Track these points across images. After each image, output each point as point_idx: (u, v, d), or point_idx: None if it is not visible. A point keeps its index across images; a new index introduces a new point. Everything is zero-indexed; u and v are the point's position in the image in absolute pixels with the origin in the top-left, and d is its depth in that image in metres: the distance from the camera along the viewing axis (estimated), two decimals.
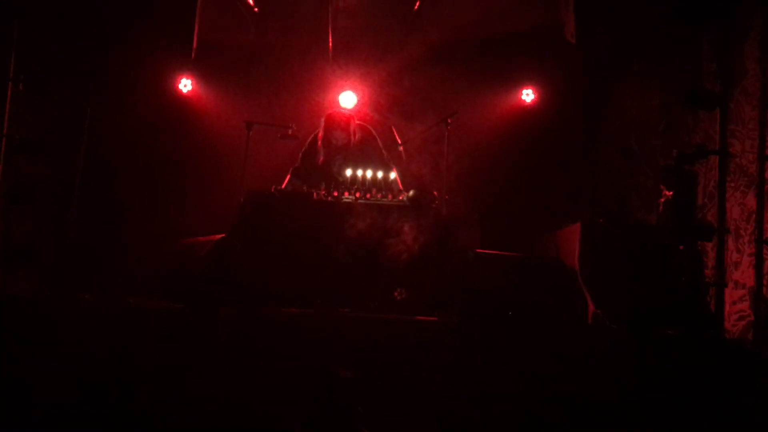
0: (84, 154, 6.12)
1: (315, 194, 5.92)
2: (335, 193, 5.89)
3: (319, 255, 5.58)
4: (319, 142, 6.59)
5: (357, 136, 6.63)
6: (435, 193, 6.01)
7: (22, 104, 5.87)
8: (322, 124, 6.63)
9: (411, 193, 5.92)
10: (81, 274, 6.05)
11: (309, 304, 5.08)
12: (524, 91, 7.97)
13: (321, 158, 6.53)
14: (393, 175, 6.16)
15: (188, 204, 7.30)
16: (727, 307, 5.34)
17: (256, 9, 7.61)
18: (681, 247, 5.69)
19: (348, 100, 7.92)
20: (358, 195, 5.86)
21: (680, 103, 6.21)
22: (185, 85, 7.89)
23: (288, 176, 6.53)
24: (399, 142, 7.05)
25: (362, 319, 4.86)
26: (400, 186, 6.14)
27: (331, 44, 7.89)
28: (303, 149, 6.71)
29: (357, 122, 6.81)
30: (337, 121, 6.59)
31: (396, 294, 4.55)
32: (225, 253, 5.47)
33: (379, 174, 5.99)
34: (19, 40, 5.77)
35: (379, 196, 5.88)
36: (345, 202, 5.85)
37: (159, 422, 4.40)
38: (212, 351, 4.60)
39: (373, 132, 6.84)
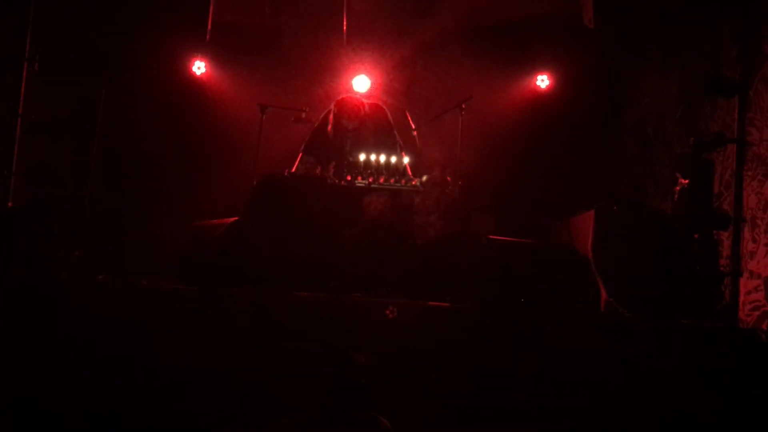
0: (99, 136, 6.14)
1: (328, 178, 5.92)
2: (348, 178, 5.89)
3: (332, 239, 5.59)
4: (330, 127, 6.58)
5: (370, 119, 6.62)
6: (449, 178, 5.99)
7: (37, 86, 5.88)
8: (333, 110, 6.62)
9: (425, 178, 5.91)
10: (96, 256, 6.08)
11: (321, 288, 5.09)
12: (539, 77, 7.91)
13: (332, 136, 6.53)
14: (406, 159, 6.15)
15: (202, 186, 7.32)
16: (741, 297, 5.31)
17: None
18: (696, 236, 5.65)
19: (361, 84, 7.89)
20: (371, 180, 5.85)
21: (698, 90, 6.14)
22: (199, 67, 7.88)
23: (300, 154, 6.53)
24: (413, 126, 7.02)
25: (375, 303, 4.86)
26: (410, 174, 6.13)
27: (345, 27, 7.85)
28: (315, 125, 6.72)
29: (370, 102, 6.78)
30: (348, 108, 6.58)
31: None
32: (238, 235, 5.48)
33: (393, 159, 5.98)
34: (35, 21, 5.77)
35: (392, 180, 5.88)
36: (358, 186, 5.85)
37: (173, 403, 4.44)
38: (225, 333, 4.62)
39: (387, 112, 6.81)
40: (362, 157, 5.98)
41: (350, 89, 7.77)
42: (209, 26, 7.49)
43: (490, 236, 5.72)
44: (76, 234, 6.01)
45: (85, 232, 5.99)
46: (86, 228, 5.99)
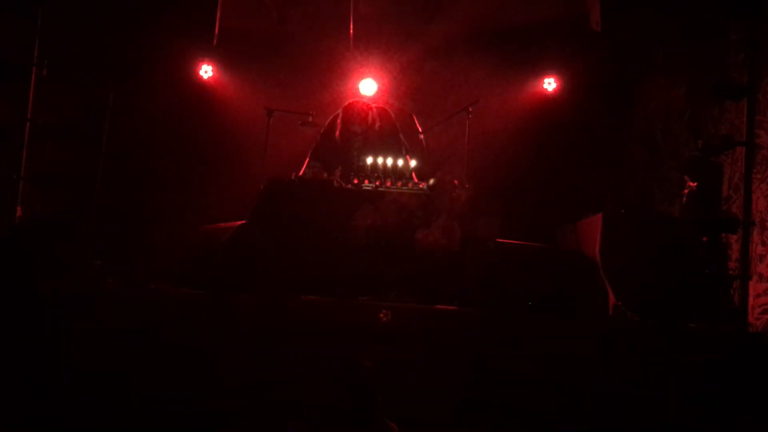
0: (106, 140, 6.16)
1: (335, 182, 5.92)
2: (355, 181, 5.89)
3: (339, 243, 5.57)
4: (337, 132, 6.59)
5: (377, 123, 6.63)
6: (456, 182, 5.98)
7: (45, 90, 5.91)
8: (340, 115, 6.63)
9: (431, 181, 5.89)
10: (103, 260, 6.10)
11: (328, 292, 5.08)
12: (546, 80, 7.91)
13: (339, 142, 6.55)
14: (413, 163, 6.15)
15: (209, 190, 7.34)
16: (750, 300, 5.27)
17: None
18: (704, 240, 5.62)
19: (368, 87, 7.90)
20: (378, 183, 5.85)
21: (706, 93, 6.12)
22: (206, 71, 7.91)
23: (307, 159, 6.54)
24: (420, 130, 7.02)
25: (382, 307, 4.85)
26: (415, 179, 6.13)
27: (352, 31, 7.86)
28: (323, 130, 6.73)
29: (377, 106, 6.79)
30: (356, 111, 6.59)
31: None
32: (246, 239, 5.48)
33: (400, 162, 5.98)
34: (43, 26, 5.80)
35: (399, 184, 5.87)
36: (365, 189, 5.84)
37: (180, 406, 4.44)
38: (232, 337, 4.63)
39: (393, 116, 6.82)
40: (369, 160, 5.98)
41: (357, 93, 7.79)
42: (216, 31, 7.52)
43: (498, 240, 5.71)
44: (83, 240, 6.02)
45: (92, 237, 5.99)
46: (94, 233, 6.00)
